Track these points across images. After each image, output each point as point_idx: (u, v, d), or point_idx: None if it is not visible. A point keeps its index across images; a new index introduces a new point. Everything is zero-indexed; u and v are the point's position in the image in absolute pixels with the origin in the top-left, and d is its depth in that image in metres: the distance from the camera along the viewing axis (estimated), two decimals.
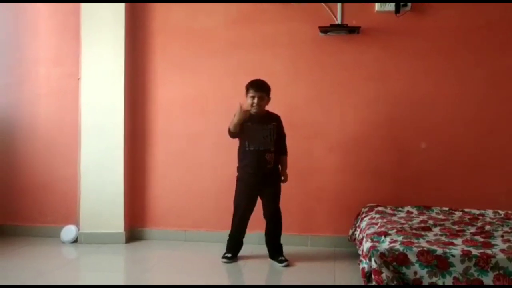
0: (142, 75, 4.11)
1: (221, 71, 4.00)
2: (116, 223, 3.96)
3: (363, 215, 3.51)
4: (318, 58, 3.90)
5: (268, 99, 3.45)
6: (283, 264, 3.40)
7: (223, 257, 3.48)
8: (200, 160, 4.05)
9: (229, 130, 3.39)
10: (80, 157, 3.98)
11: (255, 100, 3.38)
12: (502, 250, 2.57)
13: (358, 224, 3.52)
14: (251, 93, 3.39)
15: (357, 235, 3.38)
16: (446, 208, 3.62)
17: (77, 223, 4.01)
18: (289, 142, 3.84)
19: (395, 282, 2.57)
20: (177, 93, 4.07)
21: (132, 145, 4.10)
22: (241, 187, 3.49)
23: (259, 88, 3.39)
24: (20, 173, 4.19)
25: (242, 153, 3.47)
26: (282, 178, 3.55)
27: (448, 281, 2.53)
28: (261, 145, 3.40)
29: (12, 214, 4.20)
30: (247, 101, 3.42)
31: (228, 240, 3.55)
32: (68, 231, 4.01)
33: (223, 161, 3.86)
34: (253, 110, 3.40)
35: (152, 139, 4.12)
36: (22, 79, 4.18)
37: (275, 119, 3.49)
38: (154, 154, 4.12)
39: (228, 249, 3.52)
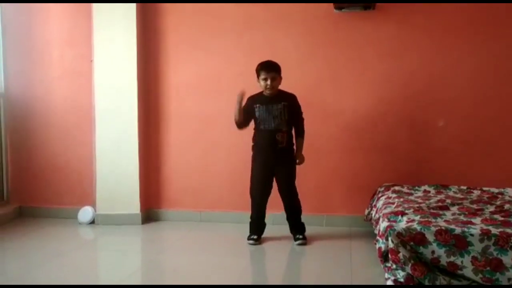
0: (154, 55, 4.08)
1: (233, 50, 3.95)
2: (132, 204, 3.99)
3: (379, 195, 3.47)
4: (332, 36, 3.82)
5: (280, 79, 3.41)
6: (297, 242, 3.43)
7: (249, 239, 3.48)
8: (215, 140, 4.04)
9: (235, 121, 3.41)
10: (95, 139, 4.00)
11: (268, 82, 3.34)
12: None
13: (374, 203, 3.49)
14: (262, 75, 3.35)
15: (373, 215, 3.35)
16: (464, 187, 3.57)
17: (93, 205, 4.05)
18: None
19: (412, 262, 2.55)
20: (190, 72, 4.04)
21: (146, 126, 4.10)
22: (255, 167, 3.49)
23: (270, 68, 3.35)
24: (36, 155, 4.23)
25: (256, 132, 3.48)
26: (297, 160, 3.51)
27: (467, 260, 2.49)
28: (271, 125, 3.37)
29: (30, 196, 4.25)
30: (260, 84, 3.38)
31: (250, 222, 3.54)
32: (85, 213, 4.05)
33: (237, 141, 3.84)
34: (268, 92, 3.37)
35: (166, 119, 4.11)
36: (36, 62, 4.19)
37: (286, 98, 3.43)
38: (168, 134, 4.11)
39: (253, 231, 3.51)
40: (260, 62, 3.40)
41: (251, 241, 3.45)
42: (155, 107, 4.11)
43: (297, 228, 3.52)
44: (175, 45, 4.04)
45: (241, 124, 3.44)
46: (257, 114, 3.40)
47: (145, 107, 4.07)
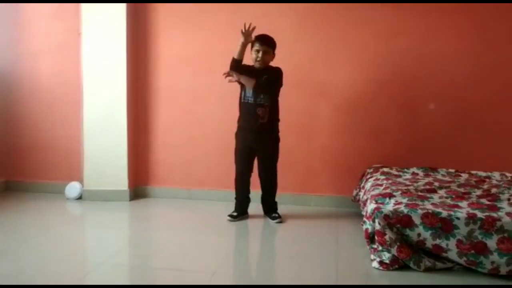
0: (144, 29, 4.00)
1: (226, 27, 3.88)
2: (120, 181, 3.97)
3: (368, 176, 3.48)
4: (325, 14, 3.77)
5: (273, 55, 3.35)
6: (276, 221, 3.46)
7: (228, 215, 3.50)
8: (204, 117, 4.00)
9: (232, 59, 3.24)
10: (83, 114, 3.94)
11: (260, 54, 3.28)
12: (508, 213, 2.54)
13: (362, 185, 3.50)
14: (256, 47, 3.29)
15: (361, 196, 3.36)
16: (453, 170, 3.59)
17: (81, 180, 4.02)
18: (294, 100, 3.81)
19: (398, 244, 2.58)
20: (181, 48, 3.98)
21: (135, 101, 4.05)
22: (237, 143, 3.49)
23: (265, 42, 3.29)
24: (23, 129, 4.17)
25: (239, 105, 3.44)
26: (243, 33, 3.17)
27: (452, 243, 2.52)
28: (253, 98, 3.33)
29: (17, 170, 4.22)
30: (251, 55, 3.33)
31: (235, 198, 3.57)
32: (72, 188, 4.02)
33: (228, 119, 3.80)
34: (257, 65, 3.32)
35: (155, 95, 4.06)
36: (22, 34, 4.09)
37: (268, 72, 3.33)
38: (158, 111, 4.07)
39: (235, 208, 3.55)
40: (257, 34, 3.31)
41: (228, 218, 3.48)
42: (145, 82, 4.05)
43: (272, 207, 3.54)
44: (166, 19, 3.97)
45: (238, 67, 3.23)
46: (243, 83, 3.34)
47: (134, 82, 4.01)
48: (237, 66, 3.25)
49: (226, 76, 3.29)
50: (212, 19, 3.90)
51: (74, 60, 3.99)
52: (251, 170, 3.51)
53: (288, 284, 2.47)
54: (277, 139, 3.46)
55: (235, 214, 3.51)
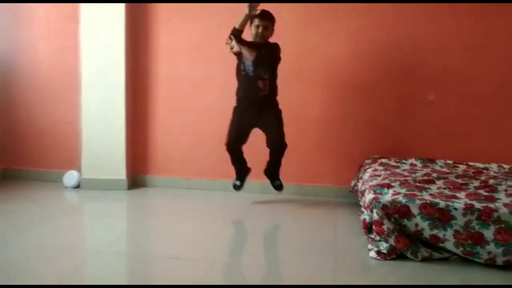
0: (144, 17, 3.97)
1: (225, 16, 3.84)
2: (119, 170, 3.96)
3: (366, 167, 3.49)
4: (325, 5, 3.73)
5: (272, 31, 3.36)
6: (278, 191, 3.58)
7: (233, 184, 3.58)
8: (204, 107, 3.99)
9: (233, 28, 3.27)
10: (81, 102, 3.92)
11: (260, 29, 3.30)
12: (505, 204, 2.56)
13: (360, 175, 3.50)
14: (255, 22, 3.31)
15: (359, 187, 3.37)
16: (450, 161, 3.60)
17: (79, 169, 4.02)
18: (295, 91, 3.79)
19: (395, 234, 2.59)
20: (180, 37, 3.95)
21: (134, 90, 4.03)
22: (234, 115, 3.46)
23: (264, 17, 3.31)
24: (20, 117, 4.15)
25: (238, 77, 3.42)
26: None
27: (449, 233, 2.54)
28: (252, 70, 3.32)
29: (15, 158, 4.20)
30: (251, 31, 3.33)
31: (236, 171, 3.61)
32: (70, 177, 4.02)
33: (227, 108, 3.78)
34: (257, 40, 3.33)
35: (154, 84, 4.04)
36: (20, 21, 4.06)
37: (267, 46, 3.35)
38: (157, 99, 4.05)
39: (236, 176, 3.60)
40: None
41: (233, 189, 3.56)
42: (143, 70, 4.03)
43: (276, 169, 3.54)
44: (165, 7, 3.93)
45: (237, 36, 3.27)
46: (244, 54, 3.32)
47: (133, 70, 3.99)
48: (236, 36, 3.27)
49: (231, 47, 3.30)
50: (212, 8, 3.87)
51: (72, 49, 3.96)
52: (245, 140, 3.47)
53: (286, 273, 2.48)
54: (279, 111, 3.44)
55: (238, 183, 3.56)
